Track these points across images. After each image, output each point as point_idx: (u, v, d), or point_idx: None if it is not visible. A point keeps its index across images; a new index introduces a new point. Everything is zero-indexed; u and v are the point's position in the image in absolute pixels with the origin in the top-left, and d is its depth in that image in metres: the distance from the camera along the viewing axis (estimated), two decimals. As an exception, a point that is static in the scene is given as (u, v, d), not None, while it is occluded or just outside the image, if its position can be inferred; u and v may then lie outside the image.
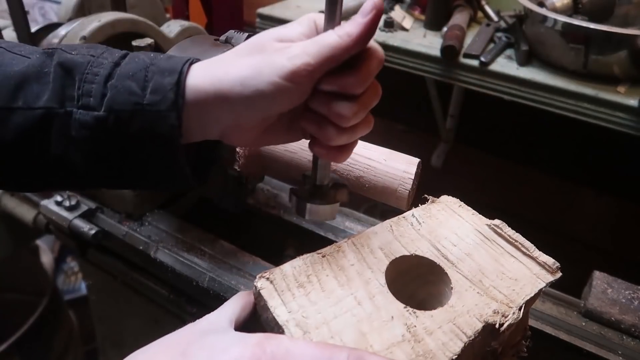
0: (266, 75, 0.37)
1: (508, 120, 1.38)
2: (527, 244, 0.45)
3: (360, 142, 0.56)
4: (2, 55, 0.41)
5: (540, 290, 0.42)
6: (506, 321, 0.38)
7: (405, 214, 0.49)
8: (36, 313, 1.26)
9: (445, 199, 0.51)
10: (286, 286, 0.39)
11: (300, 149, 0.56)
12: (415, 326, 0.37)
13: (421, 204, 0.51)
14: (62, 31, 0.72)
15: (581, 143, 1.31)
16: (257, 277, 0.39)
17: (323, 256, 0.42)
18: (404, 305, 0.38)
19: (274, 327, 0.37)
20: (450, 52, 1.03)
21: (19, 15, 0.73)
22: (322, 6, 0.41)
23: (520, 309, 0.39)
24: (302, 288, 0.39)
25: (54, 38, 0.73)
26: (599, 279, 0.60)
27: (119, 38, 0.70)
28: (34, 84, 0.39)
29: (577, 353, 0.55)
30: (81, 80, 0.39)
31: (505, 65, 1.04)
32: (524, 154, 1.44)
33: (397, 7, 1.26)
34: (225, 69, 0.39)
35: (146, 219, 0.71)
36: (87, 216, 0.73)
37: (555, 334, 0.56)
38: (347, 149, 0.43)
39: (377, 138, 0.60)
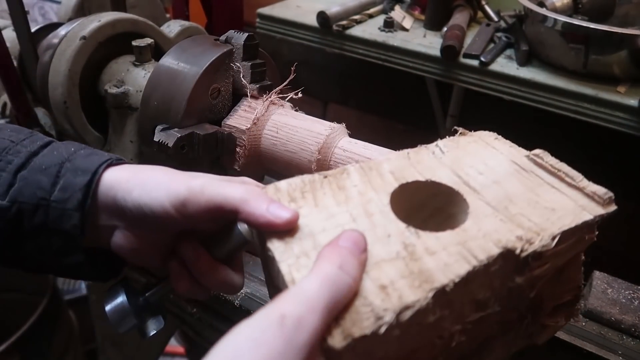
0: (160, 192, 0.37)
1: (508, 120, 1.38)
2: (574, 173, 0.38)
3: (360, 142, 0.56)
4: None
5: (587, 224, 0.34)
6: (531, 248, 0.31)
7: (427, 145, 0.42)
8: (36, 313, 1.26)
9: (481, 132, 0.45)
10: (277, 199, 0.35)
11: (300, 149, 0.56)
12: (414, 245, 0.31)
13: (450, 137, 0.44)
14: (62, 31, 0.72)
15: (581, 143, 1.31)
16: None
17: (325, 177, 0.38)
18: (405, 225, 0.33)
19: (262, 244, 0.35)
20: (450, 52, 1.03)
21: (19, 15, 0.73)
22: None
23: (553, 239, 0.32)
24: (293, 202, 0.35)
25: (54, 38, 0.73)
26: (599, 279, 0.60)
27: (119, 38, 0.70)
28: None
29: (577, 353, 0.55)
30: None
31: (505, 65, 1.04)
32: (524, 154, 1.44)
33: (397, 7, 1.26)
34: (141, 175, 0.39)
35: (146, 219, 0.71)
36: (87, 216, 0.73)
37: (555, 334, 0.56)
38: (207, 289, 0.42)
39: (377, 138, 0.60)
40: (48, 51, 0.72)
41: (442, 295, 0.28)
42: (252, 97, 0.60)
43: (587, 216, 0.34)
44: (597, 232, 0.37)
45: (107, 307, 0.41)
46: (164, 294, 0.43)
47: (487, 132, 0.45)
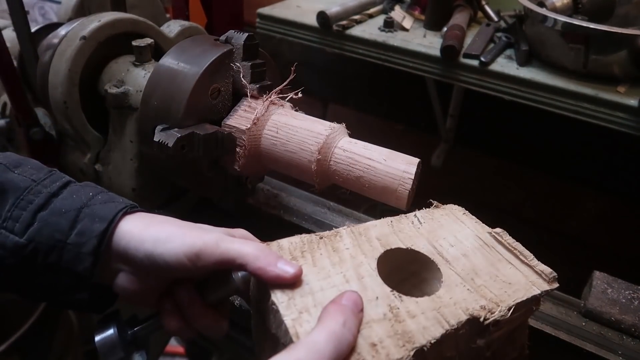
0: (176, 244, 0.40)
1: (508, 120, 1.38)
2: (526, 252, 0.45)
3: (360, 142, 0.56)
4: None
5: (535, 298, 0.41)
6: (492, 317, 0.38)
7: (407, 214, 0.49)
8: (36, 313, 1.26)
9: (451, 206, 0.52)
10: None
11: (300, 149, 0.56)
12: (398, 308, 0.37)
13: (425, 207, 0.51)
14: (62, 31, 0.72)
15: (581, 143, 1.31)
16: None
17: (321, 238, 0.43)
18: (390, 289, 0.39)
19: (264, 294, 0.39)
20: (450, 52, 1.03)
21: (19, 15, 0.73)
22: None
23: (509, 310, 0.39)
24: (294, 261, 0.40)
25: (54, 38, 0.73)
26: (599, 279, 0.60)
27: (119, 38, 0.70)
28: None
29: (577, 353, 0.55)
30: (13, 205, 0.41)
31: (505, 65, 1.04)
32: (524, 154, 1.44)
33: (397, 7, 1.26)
34: (154, 231, 0.41)
35: (146, 219, 0.71)
36: (87, 216, 0.73)
37: (555, 334, 0.56)
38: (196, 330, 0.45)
39: (377, 138, 0.60)
40: (48, 51, 0.72)
41: (420, 353, 0.34)
42: (252, 97, 0.60)
43: (536, 291, 0.41)
44: (540, 306, 0.45)
45: (97, 339, 0.43)
46: (153, 330, 0.45)
47: (456, 207, 0.52)
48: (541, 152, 1.41)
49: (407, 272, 0.46)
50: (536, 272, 0.44)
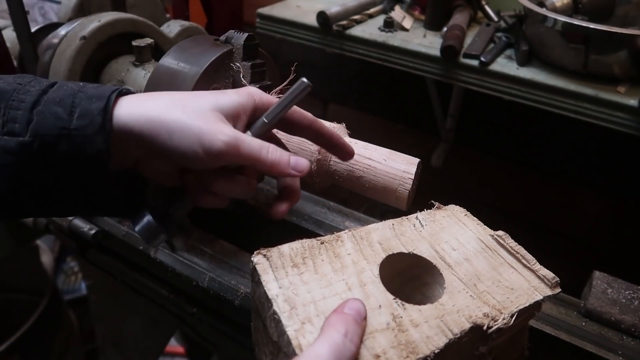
0: (192, 141, 0.40)
1: (508, 120, 1.38)
2: (529, 256, 0.45)
3: (360, 142, 0.56)
4: None
5: (537, 303, 0.41)
6: (495, 325, 0.38)
7: (409, 216, 0.49)
8: (36, 313, 1.26)
9: (452, 207, 0.52)
10: (281, 264, 0.40)
11: (300, 149, 0.56)
12: (401, 317, 0.37)
13: (427, 209, 0.51)
14: (62, 31, 0.72)
15: (581, 143, 1.31)
16: (255, 252, 0.41)
17: (322, 243, 0.43)
18: (393, 297, 0.38)
19: (265, 303, 0.39)
20: (450, 52, 1.03)
21: (19, 15, 0.73)
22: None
23: (512, 317, 0.39)
24: (296, 268, 0.40)
25: (54, 38, 0.73)
26: (599, 279, 0.60)
27: (119, 38, 0.70)
28: None
29: (577, 353, 0.55)
30: (6, 107, 0.39)
31: (505, 65, 1.04)
32: (524, 154, 1.44)
33: (397, 7, 1.26)
34: (158, 111, 0.41)
35: (146, 219, 0.71)
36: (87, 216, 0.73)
37: (555, 334, 0.56)
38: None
39: (377, 138, 0.60)
40: (48, 51, 0.72)
41: None
42: (252, 97, 0.60)
43: (538, 297, 0.41)
44: (541, 310, 0.45)
45: (137, 228, 0.45)
46: (185, 207, 0.47)
47: (458, 208, 0.51)
48: (541, 152, 1.41)
49: (408, 275, 0.46)
50: (539, 277, 0.43)
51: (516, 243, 0.46)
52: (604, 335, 0.56)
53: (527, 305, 0.40)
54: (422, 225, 0.48)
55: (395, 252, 0.44)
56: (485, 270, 0.43)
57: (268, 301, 0.37)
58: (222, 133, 0.41)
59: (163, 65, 0.59)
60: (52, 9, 1.92)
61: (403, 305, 0.38)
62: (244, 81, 0.59)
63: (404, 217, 0.49)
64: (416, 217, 0.49)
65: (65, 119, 0.39)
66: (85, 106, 0.40)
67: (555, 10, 1.04)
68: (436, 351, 0.34)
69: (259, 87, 0.60)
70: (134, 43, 0.67)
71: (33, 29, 0.77)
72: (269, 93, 0.61)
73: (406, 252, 0.44)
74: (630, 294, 0.58)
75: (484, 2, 1.24)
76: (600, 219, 1.47)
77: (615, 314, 0.56)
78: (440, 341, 0.35)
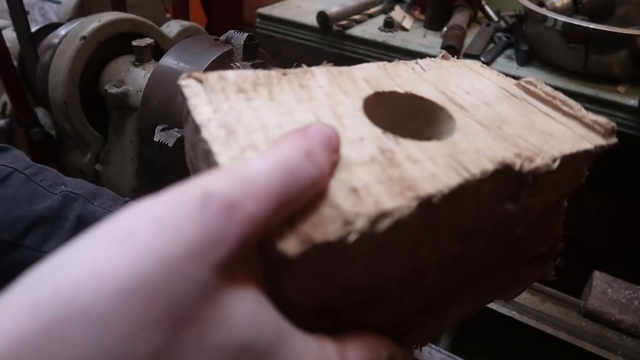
0: None
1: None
2: (571, 101, 0.34)
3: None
4: (24, 186, 0.41)
5: (587, 153, 0.30)
6: (532, 165, 0.26)
7: (406, 61, 0.36)
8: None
9: (465, 60, 0.40)
10: (221, 88, 0.27)
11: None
12: (393, 151, 0.25)
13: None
14: (62, 31, 0.72)
15: (581, 143, 1.31)
16: (185, 74, 0.27)
17: (284, 74, 0.30)
18: (382, 130, 0.26)
19: (195, 134, 0.25)
20: (450, 52, 1.03)
21: (19, 15, 0.73)
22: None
23: (554, 161, 0.27)
24: (242, 93, 0.27)
25: (54, 38, 0.73)
26: (599, 279, 0.60)
27: (119, 38, 0.70)
28: (48, 225, 0.40)
29: (577, 353, 0.55)
30: None
31: (505, 65, 1.04)
32: (524, 154, 1.44)
33: (397, 7, 1.26)
34: None
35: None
36: (87, 216, 0.73)
37: (555, 334, 0.56)
38: None
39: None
40: (48, 51, 0.72)
41: (427, 208, 0.22)
42: (252, 97, 0.60)
43: (588, 145, 0.30)
44: (587, 173, 0.34)
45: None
46: None
47: (472, 60, 0.40)
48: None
49: (406, 132, 0.32)
50: (586, 125, 0.32)
51: (551, 88, 0.35)
52: (604, 335, 0.56)
53: (574, 151, 0.29)
54: (424, 70, 0.35)
55: (386, 90, 0.31)
56: (513, 115, 0.31)
57: (197, 131, 0.24)
58: None
59: (163, 65, 0.59)
60: (52, 9, 1.92)
61: (396, 139, 0.26)
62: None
63: (399, 61, 0.36)
64: (416, 62, 0.36)
65: None
66: None
67: (555, 10, 1.04)
68: (445, 192, 0.23)
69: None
70: (134, 43, 0.67)
71: (33, 29, 0.77)
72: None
73: (402, 92, 0.32)
74: (630, 294, 0.58)
75: (484, 2, 1.24)
76: (600, 219, 1.47)
77: (615, 314, 0.56)
78: (452, 180, 0.23)
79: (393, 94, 0.31)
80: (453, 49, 1.03)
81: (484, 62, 1.02)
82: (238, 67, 0.59)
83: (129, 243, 0.16)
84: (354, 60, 1.19)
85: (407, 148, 0.25)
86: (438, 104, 0.31)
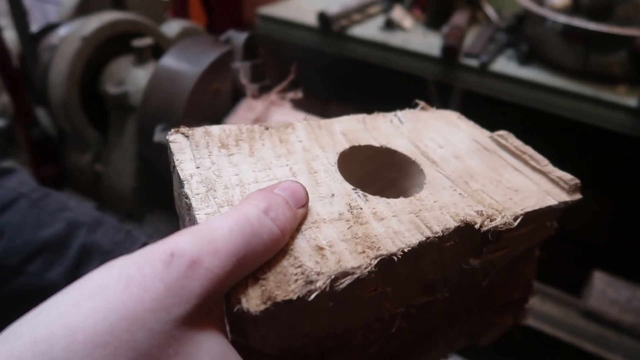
0: None
1: (508, 120, 1.38)
2: (539, 156, 0.35)
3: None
4: (30, 210, 0.41)
5: (550, 209, 0.31)
6: (491, 224, 0.27)
7: (385, 113, 0.38)
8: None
9: (443, 111, 0.42)
10: (205, 143, 0.29)
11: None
12: (361, 208, 0.26)
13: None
14: (62, 31, 0.72)
15: (581, 142, 1.31)
16: (172, 130, 0.31)
17: (266, 128, 0.32)
18: (353, 187, 0.28)
19: (179, 187, 0.28)
20: (450, 52, 1.03)
21: (19, 15, 0.73)
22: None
23: (515, 219, 0.28)
24: (224, 149, 0.29)
25: (54, 38, 0.73)
26: (599, 279, 0.60)
27: (119, 38, 0.70)
28: (51, 253, 0.40)
29: (577, 353, 0.55)
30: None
31: (505, 65, 1.04)
32: (524, 154, 1.44)
33: (397, 7, 1.26)
34: None
35: (146, 218, 0.71)
36: (87, 216, 0.73)
37: (555, 334, 0.56)
38: None
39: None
40: (48, 51, 0.72)
41: (388, 266, 0.24)
42: (252, 97, 0.60)
43: (552, 201, 0.31)
44: (556, 225, 0.35)
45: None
46: None
47: (450, 111, 0.41)
48: (540, 152, 1.41)
49: (381, 182, 0.35)
50: (551, 180, 0.33)
51: (522, 142, 0.36)
52: (604, 335, 0.56)
53: (536, 208, 0.29)
54: (402, 122, 0.37)
55: (363, 144, 0.33)
56: (482, 169, 0.33)
57: (181, 185, 0.27)
58: None
59: (163, 65, 0.59)
60: (52, 9, 1.92)
61: (365, 196, 0.27)
62: (244, 81, 0.59)
63: (378, 113, 0.38)
64: (394, 114, 0.38)
65: None
66: None
67: (555, 10, 1.04)
68: (406, 250, 0.24)
69: (259, 87, 0.60)
70: (134, 43, 0.67)
71: (33, 29, 0.77)
72: (268, 93, 0.61)
73: (377, 145, 0.33)
74: (630, 294, 0.58)
75: (484, 2, 1.24)
76: (599, 218, 1.47)
77: (615, 314, 0.57)
78: (414, 238, 0.25)
79: (369, 148, 0.33)
80: (453, 49, 1.03)
81: (484, 62, 1.02)
82: (238, 67, 0.59)
83: (98, 299, 0.18)
84: (354, 60, 1.19)
85: (375, 205, 0.27)
86: (410, 158, 0.33)
